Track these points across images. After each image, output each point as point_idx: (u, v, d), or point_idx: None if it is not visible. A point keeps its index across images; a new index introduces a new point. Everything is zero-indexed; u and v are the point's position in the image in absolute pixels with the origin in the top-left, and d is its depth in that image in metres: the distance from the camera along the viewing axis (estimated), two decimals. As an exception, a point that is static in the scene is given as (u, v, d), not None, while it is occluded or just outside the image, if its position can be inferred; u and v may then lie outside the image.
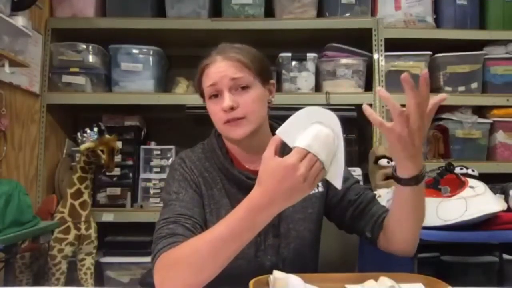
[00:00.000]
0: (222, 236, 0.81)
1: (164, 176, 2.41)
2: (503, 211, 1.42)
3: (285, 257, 1.04)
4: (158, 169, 2.48)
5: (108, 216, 2.31)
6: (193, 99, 2.39)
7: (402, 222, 0.96)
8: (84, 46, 2.43)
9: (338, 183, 0.83)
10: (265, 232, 1.01)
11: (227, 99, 0.98)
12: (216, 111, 1.01)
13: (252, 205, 0.80)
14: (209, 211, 1.03)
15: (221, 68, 1.00)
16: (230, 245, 0.81)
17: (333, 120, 0.82)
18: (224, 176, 1.06)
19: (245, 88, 1.00)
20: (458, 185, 1.46)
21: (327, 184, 1.09)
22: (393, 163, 2.16)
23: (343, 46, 2.45)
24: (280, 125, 1.14)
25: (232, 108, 0.98)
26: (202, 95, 1.08)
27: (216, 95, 1.01)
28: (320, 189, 1.10)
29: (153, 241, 0.93)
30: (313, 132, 0.80)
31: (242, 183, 1.03)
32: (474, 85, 2.46)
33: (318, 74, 2.49)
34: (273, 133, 1.10)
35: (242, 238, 0.82)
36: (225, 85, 0.99)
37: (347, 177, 1.08)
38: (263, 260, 1.03)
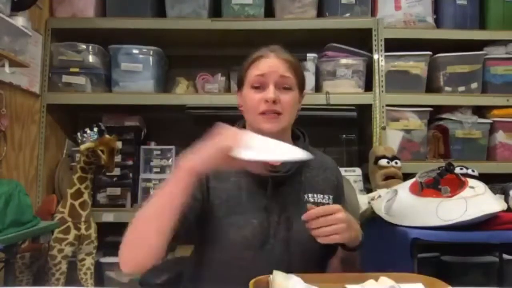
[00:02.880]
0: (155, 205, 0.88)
1: (164, 176, 2.42)
2: (503, 211, 1.42)
3: (293, 253, 1.03)
4: (158, 169, 2.48)
5: (108, 216, 2.31)
6: (193, 99, 2.39)
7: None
8: (84, 46, 2.44)
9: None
10: (276, 227, 1.02)
11: (272, 92, 1.05)
12: (256, 100, 1.07)
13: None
14: (218, 203, 1.04)
15: (273, 63, 1.08)
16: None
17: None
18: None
19: (287, 89, 1.08)
20: (458, 185, 1.46)
21: (335, 199, 1.13)
22: (393, 163, 2.20)
23: (343, 46, 2.45)
24: (301, 132, 1.19)
25: (274, 102, 1.04)
26: (240, 82, 1.14)
27: (259, 87, 1.07)
28: (330, 202, 1.12)
29: None
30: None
31: (258, 176, 1.02)
32: (474, 85, 2.46)
33: (318, 74, 2.49)
34: (293, 138, 1.16)
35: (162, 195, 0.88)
36: (272, 79, 1.07)
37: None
38: (271, 254, 1.02)
